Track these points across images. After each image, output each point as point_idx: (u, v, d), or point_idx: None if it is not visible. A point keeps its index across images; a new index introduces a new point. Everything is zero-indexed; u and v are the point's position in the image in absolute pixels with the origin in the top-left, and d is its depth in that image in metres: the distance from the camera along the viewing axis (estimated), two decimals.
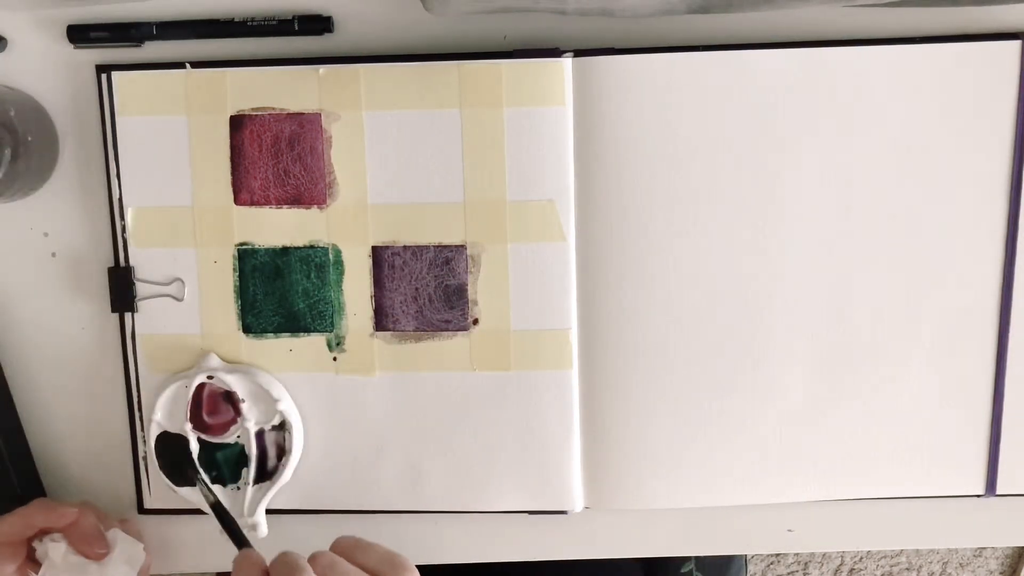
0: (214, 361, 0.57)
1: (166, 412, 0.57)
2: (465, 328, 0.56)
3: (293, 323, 0.57)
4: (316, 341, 0.57)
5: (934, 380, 0.56)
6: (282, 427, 0.57)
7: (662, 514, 0.59)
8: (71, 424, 0.60)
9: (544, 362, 0.56)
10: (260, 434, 0.57)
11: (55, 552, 0.54)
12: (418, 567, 0.59)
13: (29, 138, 0.54)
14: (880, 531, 0.59)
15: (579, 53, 0.53)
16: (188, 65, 0.55)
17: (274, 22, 0.54)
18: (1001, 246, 0.55)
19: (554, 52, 0.53)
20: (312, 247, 0.56)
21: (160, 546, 0.61)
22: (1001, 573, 1.43)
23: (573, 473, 0.57)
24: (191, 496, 0.58)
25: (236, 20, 0.54)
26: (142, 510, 0.60)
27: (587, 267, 0.55)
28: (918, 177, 0.54)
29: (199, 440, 0.57)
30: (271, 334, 0.57)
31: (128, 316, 0.57)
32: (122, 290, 0.57)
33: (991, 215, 0.54)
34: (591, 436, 0.57)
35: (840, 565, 1.42)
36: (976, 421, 0.57)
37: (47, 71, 0.56)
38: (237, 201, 0.56)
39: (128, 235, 0.56)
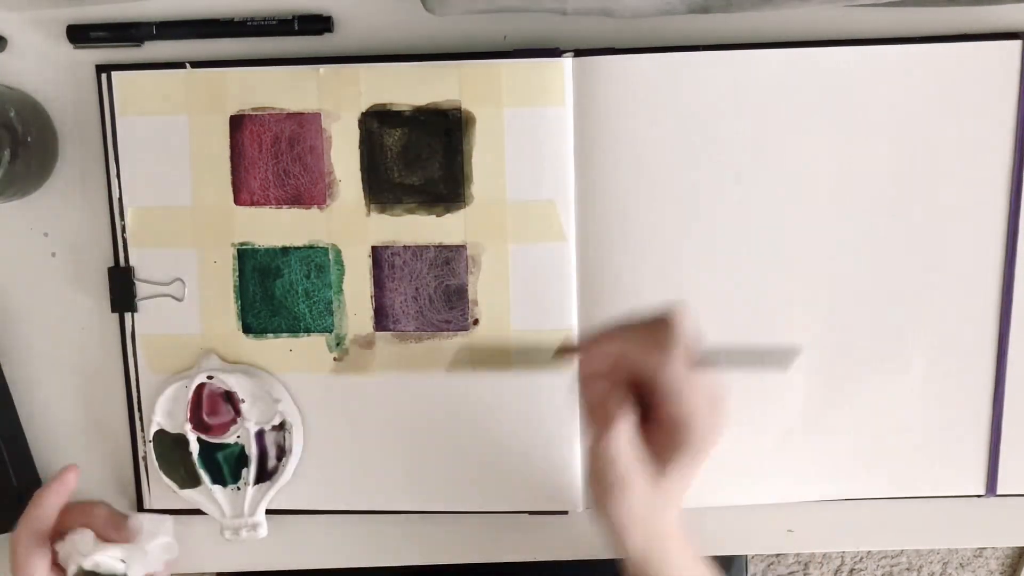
0: (214, 361, 0.57)
1: (166, 412, 0.57)
2: (465, 328, 0.56)
3: (293, 323, 0.57)
4: (316, 341, 0.57)
5: (934, 381, 0.56)
6: (282, 427, 0.57)
7: None
8: (71, 424, 0.60)
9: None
10: (260, 434, 0.57)
11: (83, 542, 0.53)
12: (418, 567, 0.59)
13: (29, 138, 0.54)
14: (880, 531, 0.59)
15: (579, 53, 0.53)
16: (188, 65, 0.55)
17: (274, 22, 0.54)
18: (1001, 246, 0.55)
19: (554, 52, 0.53)
20: (312, 247, 0.56)
21: None
22: (1001, 573, 1.43)
23: (573, 473, 0.57)
24: (192, 497, 0.58)
25: (236, 20, 0.54)
26: (142, 510, 0.60)
27: (587, 267, 0.55)
28: (918, 177, 0.54)
29: (199, 440, 0.57)
30: (271, 334, 0.57)
31: (128, 316, 0.57)
32: (122, 290, 0.57)
33: (991, 215, 0.54)
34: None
35: (840, 565, 1.42)
36: (976, 421, 0.57)
37: (47, 71, 0.56)
38: (237, 201, 0.56)
39: (128, 235, 0.56)
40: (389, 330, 0.56)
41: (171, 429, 0.57)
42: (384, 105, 0.54)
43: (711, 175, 0.54)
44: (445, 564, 0.61)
